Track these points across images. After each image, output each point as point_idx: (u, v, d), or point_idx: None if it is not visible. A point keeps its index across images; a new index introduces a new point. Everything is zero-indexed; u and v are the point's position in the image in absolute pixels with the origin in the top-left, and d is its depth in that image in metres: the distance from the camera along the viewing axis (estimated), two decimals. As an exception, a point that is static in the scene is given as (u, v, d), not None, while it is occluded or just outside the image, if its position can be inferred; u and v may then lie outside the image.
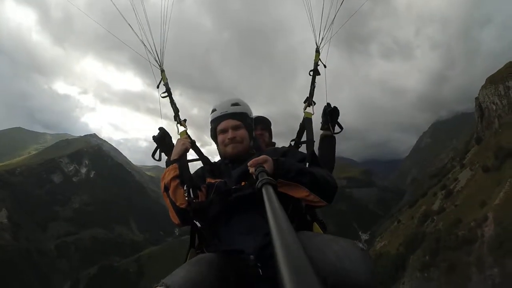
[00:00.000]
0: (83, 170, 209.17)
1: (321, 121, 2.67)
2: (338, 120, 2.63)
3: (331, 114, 2.60)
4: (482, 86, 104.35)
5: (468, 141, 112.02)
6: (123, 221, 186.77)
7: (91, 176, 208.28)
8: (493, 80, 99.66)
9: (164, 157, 2.52)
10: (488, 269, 50.97)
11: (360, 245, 1.37)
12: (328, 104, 2.64)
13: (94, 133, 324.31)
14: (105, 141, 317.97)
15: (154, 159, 2.52)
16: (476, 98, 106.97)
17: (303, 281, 0.51)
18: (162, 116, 2.72)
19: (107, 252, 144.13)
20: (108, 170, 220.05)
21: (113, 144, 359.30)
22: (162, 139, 2.49)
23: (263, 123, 3.13)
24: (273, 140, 3.22)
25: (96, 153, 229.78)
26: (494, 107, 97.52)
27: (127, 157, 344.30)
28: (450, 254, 56.59)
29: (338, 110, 2.61)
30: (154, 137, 2.49)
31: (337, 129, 2.64)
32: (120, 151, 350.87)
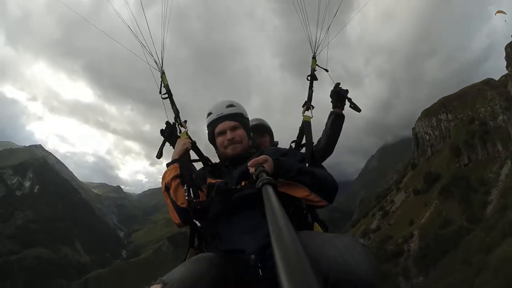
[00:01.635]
0: (27, 184, 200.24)
1: (331, 100, 2.75)
2: (354, 102, 2.74)
3: (338, 94, 2.70)
4: (418, 118, 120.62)
5: (406, 166, 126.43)
6: (68, 241, 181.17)
7: (35, 191, 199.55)
8: (428, 113, 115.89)
9: (165, 156, 2.59)
10: (414, 278, 61.05)
11: (362, 241, 1.43)
12: (337, 84, 2.75)
13: (40, 144, 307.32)
14: (50, 153, 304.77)
15: (158, 157, 2.59)
16: (413, 128, 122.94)
17: (301, 282, 0.51)
18: (165, 118, 2.64)
19: (53, 274, 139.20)
20: (53, 185, 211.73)
21: (59, 157, 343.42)
22: (172, 131, 2.58)
23: (261, 129, 3.19)
24: (274, 140, 3.26)
25: (41, 166, 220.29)
26: (427, 137, 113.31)
27: (73, 172, 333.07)
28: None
29: (344, 90, 2.71)
30: (162, 131, 2.58)
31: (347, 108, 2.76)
32: (66, 165, 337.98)
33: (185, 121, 2.64)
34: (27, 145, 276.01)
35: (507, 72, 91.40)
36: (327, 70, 2.94)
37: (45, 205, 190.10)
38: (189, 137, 2.50)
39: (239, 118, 2.21)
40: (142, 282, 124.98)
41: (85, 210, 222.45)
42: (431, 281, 56.31)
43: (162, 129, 2.58)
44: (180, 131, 2.61)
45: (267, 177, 1.21)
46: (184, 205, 1.94)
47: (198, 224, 2.02)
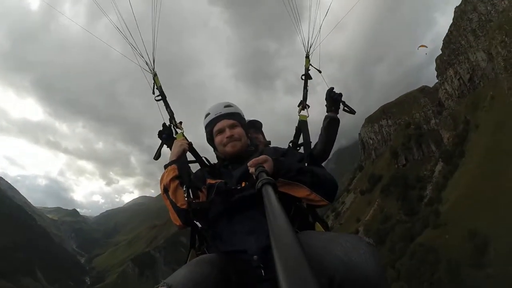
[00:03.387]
0: None
1: (325, 104, 2.76)
2: (348, 104, 2.76)
3: (332, 98, 2.72)
4: (362, 125, 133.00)
5: (355, 169, 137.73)
6: (28, 271, 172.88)
7: None
8: (370, 120, 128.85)
9: (162, 157, 2.55)
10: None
11: (367, 239, 1.37)
12: (331, 88, 2.76)
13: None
14: (1, 178, 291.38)
15: (156, 158, 2.56)
16: (359, 134, 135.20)
17: (299, 283, 0.51)
18: (163, 120, 2.56)
19: None
20: (8, 213, 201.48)
21: (10, 182, 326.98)
22: (169, 135, 2.55)
23: (255, 126, 3.20)
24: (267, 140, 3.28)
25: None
26: (371, 141, 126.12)
27: (26, 197, 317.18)
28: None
29: (338, 94, 2.73)
30: (160, 133, 2.56)
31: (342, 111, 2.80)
32: (18, 189, 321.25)
33: (181, 122, 2.62)
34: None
35: (437, 81, 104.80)
36: (320, 71, 2.98)
37: (1, 235, 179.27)
38: (185, 138, 2.48)
39: (237, 117, 2.25)
40: None
41: (43, 237, 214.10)
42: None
43: (160, 130, 2.58)
44: (176, 132, 2.61)
45: (267, 177, 1.21)
46: (184, 206, 1.93)
47: (199, 225, 2.02)
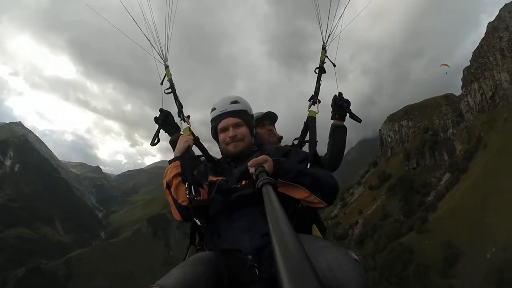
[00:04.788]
0: (8, 163, 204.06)
1: (331, 111, 2.75)
2: (354, 112, 2.74)
3: (338, 106, 2.71)
4: (383, 122, 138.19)
5: (370, 164, 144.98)
6: (48, 220, 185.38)
7: (16, 169, 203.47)
8: (392, 118, 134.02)
9: (162, 143, 2.69)
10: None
11: (353, 255, 1.38)
12: (340, 94, 2.73)
13: (20, 121, 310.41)
14: (30, 131, 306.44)
15: (152, 144, 2.64)
16: (379, 130, 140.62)
17: (302, 281, 0.52)
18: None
19: (33, 253, 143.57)
20: (34, 164, 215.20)
21: (38, 135, 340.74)
22: (165, 118, 2.62)
23: (271, 118, 3.16)
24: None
25: (22, 144, 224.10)
26: (389, 139, 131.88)
27: (52, 151, 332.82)
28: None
29: (345, 101, 2.70)
30: (156, 118, 2.62)
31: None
32: (45, 143, 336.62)
33: (188, 116, 2.59)
34: (6, 122, 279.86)
35: (461, 92, 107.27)
36: (335, 65, 2.84)
37: (26, 185, 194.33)
38: (192, 133, 2.47)
39: (243, 115, 2.24)
40: (122, 262, 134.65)
41: (64, 190, 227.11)
42: (363, 256, 74.52)
43: (156, 116, 2.63)
44: (178, 127, 2.64)
45: (267, 177, 1.23)
46: (184, 203, 1.97)
47: (199, 222, 1.99)
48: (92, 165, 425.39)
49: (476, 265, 45.28)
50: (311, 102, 2.64)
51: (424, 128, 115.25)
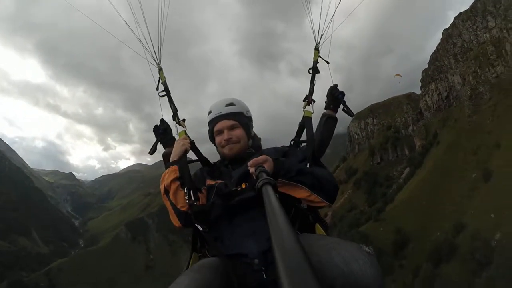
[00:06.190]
0: None
1: (325, 101, 2.68)
2: (348, 105, 2.67)
3: (334, 96, 2.63)
4: (351, 119, 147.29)
5: (340, 159, 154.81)
6: (24, 231, 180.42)
7: None
8: (359, 116, 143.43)
9: (158, 152, 2.61)
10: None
11: (367, 249, 1.39)
12: (335, 85, 2.67)
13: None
14: (0, 139, 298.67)
15: (150, 153, 2.60)
16: (348, 127, 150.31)
17: (301, 284, 0.51)
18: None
19: (12, 266, 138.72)
20: (6, 174, 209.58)
21: (7, 143, 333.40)
22: (166, 130, 2.55)
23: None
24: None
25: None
26: (356, 136, 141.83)
27: (23, 159, 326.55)
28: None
29: (340, 93, 2.63)
30: (156, 128, 2.55)
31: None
32: (15, 151, 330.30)
33: (184, 120, 2.58)
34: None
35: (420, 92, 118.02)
36: (328, 63, 2.87)
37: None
38: (188, 136, 2.43)
39: (238, 117, 2.23)
40: (103, 270, 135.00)
41: (39, 199, 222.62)
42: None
43: (156, 125, 2.57)
44: (170, 131, 2.58)
45: (267, 177, 1.22)
46: (184, 209, 1.93)
47: (200, 228, 1.93)
48: (65, 172, 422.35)
49: (423, 247, 53.83)
50: (305, 102, 2.66)
51: (387, 125, 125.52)
